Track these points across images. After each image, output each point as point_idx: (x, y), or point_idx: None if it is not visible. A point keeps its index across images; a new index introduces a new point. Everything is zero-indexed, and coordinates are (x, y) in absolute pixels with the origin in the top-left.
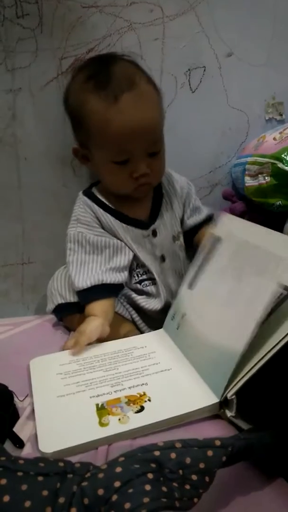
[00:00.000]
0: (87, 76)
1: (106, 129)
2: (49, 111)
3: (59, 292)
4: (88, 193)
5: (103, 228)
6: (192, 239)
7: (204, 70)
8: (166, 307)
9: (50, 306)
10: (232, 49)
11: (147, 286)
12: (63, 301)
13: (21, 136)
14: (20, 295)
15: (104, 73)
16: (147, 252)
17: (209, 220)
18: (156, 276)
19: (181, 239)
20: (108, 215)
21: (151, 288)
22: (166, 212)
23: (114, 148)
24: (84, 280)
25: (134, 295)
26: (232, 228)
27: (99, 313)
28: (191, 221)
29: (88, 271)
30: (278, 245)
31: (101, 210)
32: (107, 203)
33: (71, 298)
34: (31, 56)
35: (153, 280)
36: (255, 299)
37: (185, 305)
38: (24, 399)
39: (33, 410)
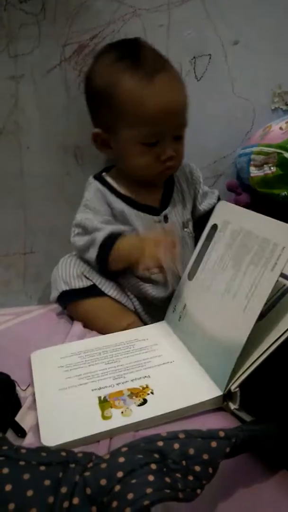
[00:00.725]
0: (117, 57)
1: (141, 107)
2: (52, 98)
3: (64, 279)
4: (100, 179)
5: (113, 214)
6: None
7: (210, 58)
8: (172, 296)
9: (54, 294)
10: (238, 37)
11: (154, 273)
12: (67, 288)
13: (24, 124)
14: (22, 285)
15: (135, 54)
16: None
17: None
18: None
19: (190, 226)
20: (120, 201)
21: (158, 276)
22: (178, 199)
23: (147, 128)
24: (101, 233)
25: (140, 282)
26: (227, 216)
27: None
28: (203, 206)
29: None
30: (273, 231)
31: (113, 196)
32: (118, 189)
33: (76, 284)
34: (34, 42)
35: (161, 268)
36: (255, 288)
37: (185, 296)
38: (26, 389)
39: (35, 400)
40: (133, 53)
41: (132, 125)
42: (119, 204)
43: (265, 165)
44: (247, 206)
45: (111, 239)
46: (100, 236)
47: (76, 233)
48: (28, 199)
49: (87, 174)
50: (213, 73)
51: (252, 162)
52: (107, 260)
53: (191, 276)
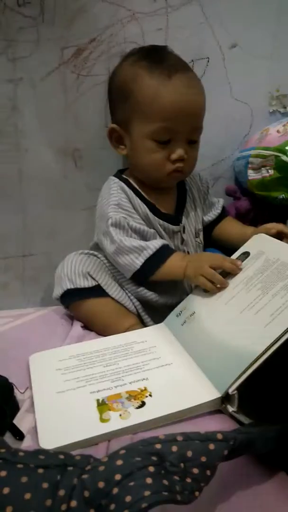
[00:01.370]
0: (140, 56)
1: (156, 102)
2: (51, 101)
3: (69, 277)
4: (124, 180)
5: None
6: (209, 235)
7: (208, 61)
8: (179, 303)
9: (58, 291)
10: (236, 40)
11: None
12: (72, 287)
13: (22, 127)
14: (21, 288)
15: (158, 54)
16: (175, 248)
17: (223, 214)
18: None
19: (201, 236)
20: (144, 206)
21: (171, 282)
22: (191, 208)
23: (160, 123)
24: (151, 245)
25: (145, 290)
26: (263, 246)
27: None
28: (208, 217)
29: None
30: None
31: (138, 199)
32: (143, 193)
33: (81, 283)
34: (33, 46)
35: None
36: (284, 311)
37: (195, 305)
38: (24, 391)
39: (33, 403)
40: (156, 54)
41: (146, 120)
42: (145, 210)
43: (262, 168)
44: (248, 211)
45: (164, 251)
46: (153, 245)
47: (117, 235)
48: (27, 202)
49: (86, 177)
50: (211, 76)
51: (250, 165)
52: (154, 270)
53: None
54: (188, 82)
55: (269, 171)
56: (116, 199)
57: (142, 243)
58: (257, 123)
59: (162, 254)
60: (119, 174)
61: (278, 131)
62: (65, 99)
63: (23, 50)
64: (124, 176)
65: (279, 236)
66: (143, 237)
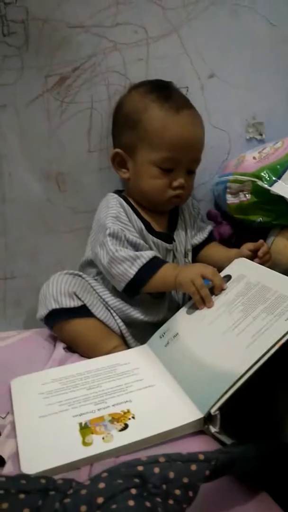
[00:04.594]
0: (149, 89)
1: (165, 133)
2: (34, 127)
3: (54, 297)
4: (123, 197)
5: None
6: (194, 258)
7: (187, 90)
8: (163, 322)
9: (43, 312)
10: (214, 70)
11: (155, 297)
12: (57, 306)
13: (6, 152)
14: (3, 311)
15: (166, 89)
16: None
17: (210, 238)
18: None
19: (189, 257)
20: (140, 222)
21: (157, 300)
22: (182, 229)
23: (166, 153)
24: (145, 255)
25: (131, 309)
26: (244, 270)
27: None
28: (194, 240)
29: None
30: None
31: (135, 216)
32: (140, 211)
33: (67, 303)
34: (17, 74)
35: (161, 293)
36: (264, 331)
37: (179, 326)
38: (5, 417)
39: (14, 428)
40: (164, 89)
41: (153, 148)
42: (139, 224)
43: (240, 193)
44: (230, 236)
45: (157, 261)
46: (147, 254)
47: (113, 244)
48: (9, 225)
49: (69, 200)
50: None
51: (228, 190)
52: (148, 279)
53: (190, 311)
54: (193, 118)
55: (247, 195)
56: (114, 212)
57: (136, 252)
58: (235, 149)
59: (155, 263)
60: (117, 192)
61: (254, 158)
62: (48, 125)
63: (7, 78)
64: (122, 194)
65: (254, 253)
66: (138, 250)
